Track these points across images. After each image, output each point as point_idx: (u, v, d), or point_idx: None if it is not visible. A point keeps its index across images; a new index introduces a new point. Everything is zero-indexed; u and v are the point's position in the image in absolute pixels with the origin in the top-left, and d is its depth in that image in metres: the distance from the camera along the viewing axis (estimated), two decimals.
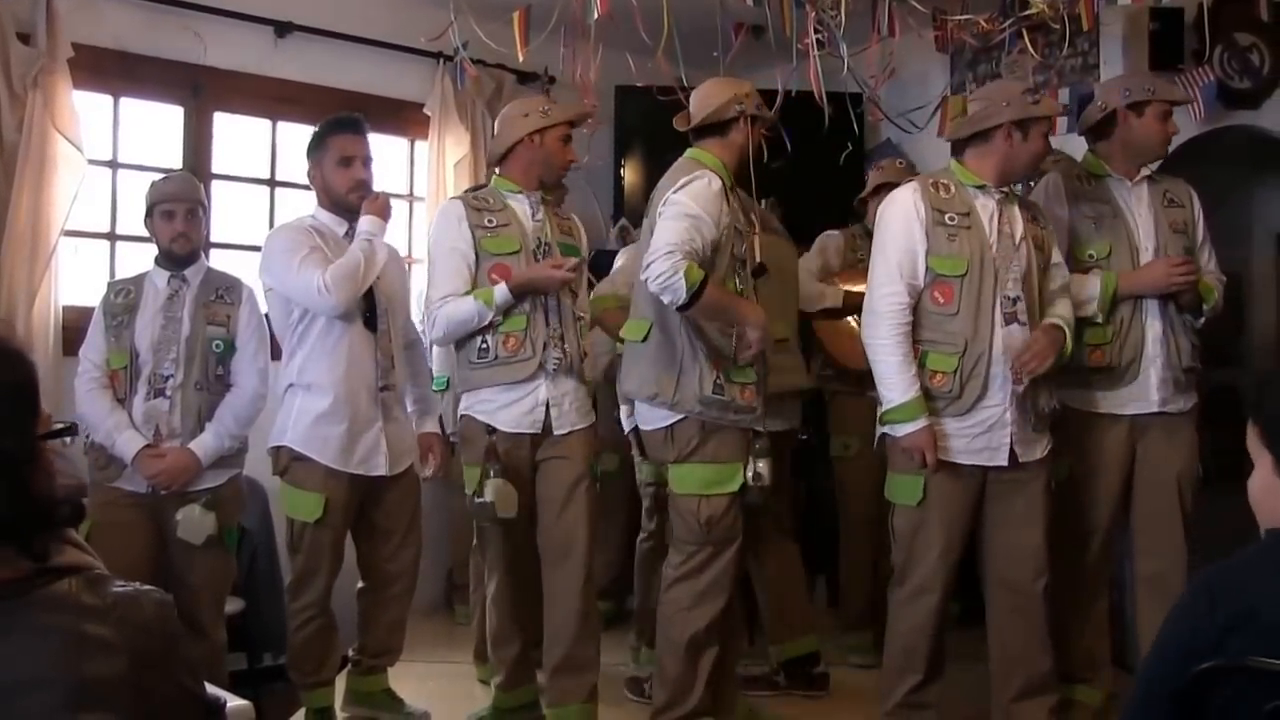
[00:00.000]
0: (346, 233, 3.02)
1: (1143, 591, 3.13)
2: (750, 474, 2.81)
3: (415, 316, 3.43)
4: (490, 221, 2.92)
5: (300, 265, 2.88)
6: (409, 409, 3.19)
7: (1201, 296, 3.04)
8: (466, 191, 3.16)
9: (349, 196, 3.00)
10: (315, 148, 3.04)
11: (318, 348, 2.95)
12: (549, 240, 2.94)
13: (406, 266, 3.95)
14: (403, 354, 3.12)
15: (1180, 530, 3.04)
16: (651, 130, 4.43)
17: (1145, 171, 3.11)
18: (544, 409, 2.88)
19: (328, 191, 3.03)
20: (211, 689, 1.26)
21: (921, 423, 2.72)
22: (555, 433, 2.91)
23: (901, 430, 2.74)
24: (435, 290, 2.90)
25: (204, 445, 2.94)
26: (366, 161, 3.03)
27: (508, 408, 2.88)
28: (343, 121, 3.04)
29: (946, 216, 2.77)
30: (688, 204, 2.70)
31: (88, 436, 2.98)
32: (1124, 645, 3.40)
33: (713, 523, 2.81)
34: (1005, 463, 2.75)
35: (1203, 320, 3.10)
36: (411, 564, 3.18)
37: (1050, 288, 2.88)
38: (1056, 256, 2.90)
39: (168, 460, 2.90)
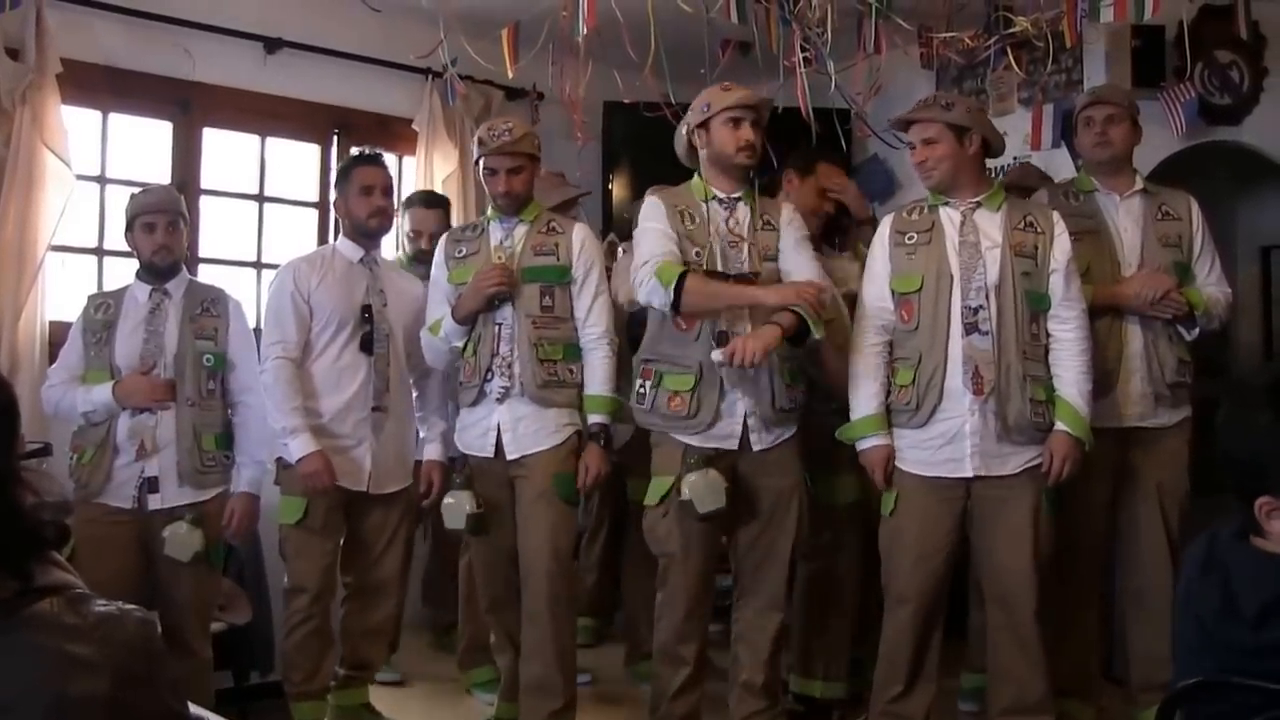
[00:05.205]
0: (362, 259, 3.16)
1: (1128, 605, 3.13)
2: (677, 490, 2.73)
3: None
4: (460, 252, 3.04)
5: (270, 327, 3.06)
6: (422, 434, 3.23)
7: (1190, 305, 2.96)
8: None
9: (369, 221, 3.15)
10: (340, 180, 3.22)
11: (315, 367, 3.04)
12: (515, 267, 2.94)
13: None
14: (404, 378, 3.17)
15: (1164, 545, 3.01)
16: (639, 146, 4.46)
17: (1138, 184, 3.09)
18: (494, 433, 2.93)
19: (350, 218, 3.17)
20: (197, 710, 1.26)
21: (872, 440, 2.80)
22: (508, 457, 2.92)
23: (859, 446, 2.83)
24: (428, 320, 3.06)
25: (252, 482, 3.03)
26: (385, 190, 3.19)
27: (467, 429, 3.01)
28: (364, 156, 3.24)
29: (906, 237, 2.82)
30: (639, 227, 2.85)
31: (72, 456, 2.96)
32: (1113, 659, 3.40)
33: (650, 535, 2.86)
34: (970, 474, 2.74)
35: (1197, 331, 3.01)
36: (392, 577, 3.18)
37: (1054, 302, 2.75)
38: (1056, 264, 2.75)
39: (237, 513, 2.98)
